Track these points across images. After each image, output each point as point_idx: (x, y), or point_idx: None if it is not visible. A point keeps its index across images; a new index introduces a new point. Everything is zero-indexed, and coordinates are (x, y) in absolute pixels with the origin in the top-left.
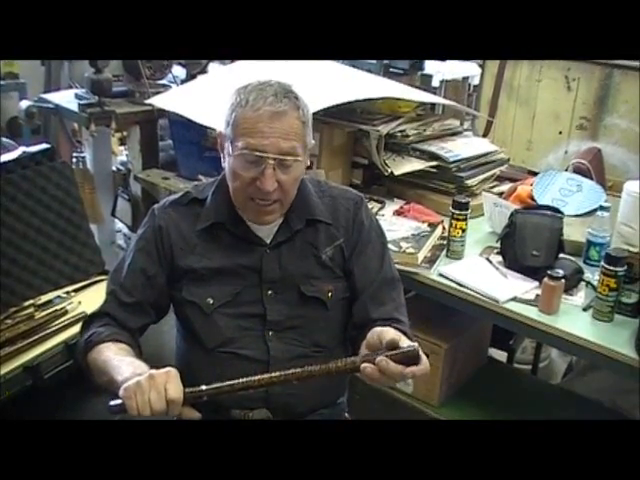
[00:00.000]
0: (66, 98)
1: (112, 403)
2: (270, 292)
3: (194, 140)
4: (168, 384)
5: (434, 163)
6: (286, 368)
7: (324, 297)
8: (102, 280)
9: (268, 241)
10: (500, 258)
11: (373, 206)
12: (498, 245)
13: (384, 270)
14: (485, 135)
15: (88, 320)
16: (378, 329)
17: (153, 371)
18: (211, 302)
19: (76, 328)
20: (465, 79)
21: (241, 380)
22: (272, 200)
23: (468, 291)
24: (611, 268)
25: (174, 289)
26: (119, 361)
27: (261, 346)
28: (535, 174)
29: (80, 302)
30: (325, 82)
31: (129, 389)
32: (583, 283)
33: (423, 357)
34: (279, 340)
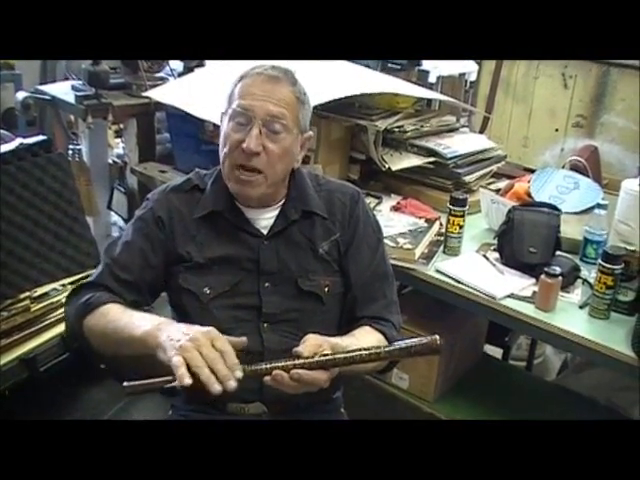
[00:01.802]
0: (63, 90)
1: (127, 384)
2: (267, 284)
3: (191, 133)
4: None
5: (431, 159)
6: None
7: (320, 292)
8: None
9: (265, 232)
10: (497, 255)
11: (370, 201)
12: (495, 242)
13: (376, 264)
14: (482, 132)
15: (80, 287)
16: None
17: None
18: (208, 292)
19: None
20: (462, 75)
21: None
22: (255, 168)
23: (465, 287)
24: (608, 266)
25: (170, 275)
26: (130, 317)
27: (256, 338)
28: (531, 171)
29: None
30: (324, 77)
31: (184, 346)
32: (580, 280)
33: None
34: (273, 332)
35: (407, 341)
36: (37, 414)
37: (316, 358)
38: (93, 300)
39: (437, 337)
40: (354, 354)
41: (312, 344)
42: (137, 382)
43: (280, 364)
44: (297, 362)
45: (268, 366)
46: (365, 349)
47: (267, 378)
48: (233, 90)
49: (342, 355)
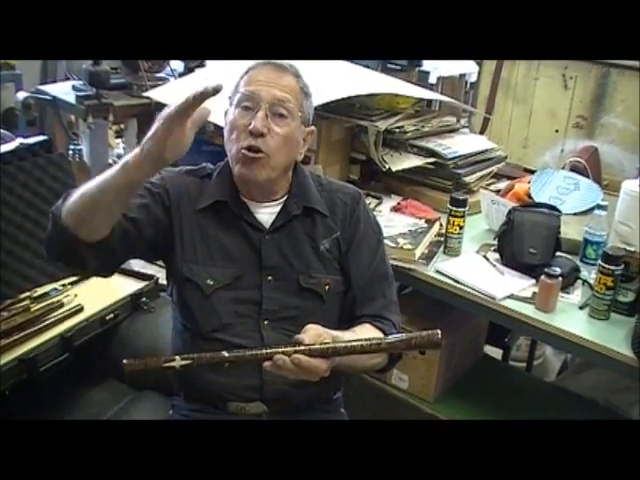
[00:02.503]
0: (63, 90)
1: (126, 361)
2: (270, 278)
3: None
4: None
5: (432, 160)
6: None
7: (321, 290)
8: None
9: (267, 227)
10: (497, 255)
11: (370, 202)
12: (495, 242)
13: (377, 265)
14: (482, 132)
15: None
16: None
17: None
18: (211, 283)
19: (72, 321)
20: (462, 76)
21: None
22: (260, 150)
23: (465, 288)
24: (608, 267)
25: (174, 265)
26: (105, 172)
27: (255, 335)
28: (531, 172)
29: (76, 295)
30: (324, 77)
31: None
32: (580, 281)
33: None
34: (273, 330)
35: (408, 334)
36: (37, 414)
37: (317, 345)
38: (70, 190)
39: (438, 331)
40: (355, 344)
41: (313, 333)
42: (137, 360)
43: (280, 349)
44: (298, 348)
45: (269, 350)
46: (366, 339)
47: (267, 363)
48: (239, 81)
49: (343, 344)
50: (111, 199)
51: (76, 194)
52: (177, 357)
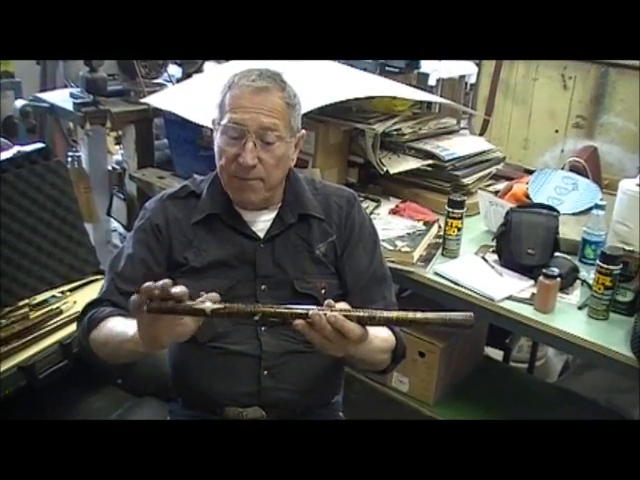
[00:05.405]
0: (61, 97)
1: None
2: (264, 287)
3: (189, 139)
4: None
5: (430, 162)
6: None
7: (317, 294)
8: (97, 280)
9: (262, 235)
10: (496, 257)
11: (369, 205)
12: (494, 244)
13: (374, 267)
14: (482, 134)
15: (87, 306)
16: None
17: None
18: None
19: (71, 328)
20: (462, 78)
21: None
22: (253, 177)
23: (464, 290)
24: (607, 267)
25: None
26: (124, 324)
27: (253, 341)
28: (531, 172)
29: (75, 302)
30: (321, 81)
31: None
32: (579, 281)
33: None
34: (271, 335)
35: (443, 311)
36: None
37: (354, 313)
38: (95, 316)
39: (471, 314)
40: (391, 313)
41: (343, 303)
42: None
43: (317, 307)
44: (335, 309)
45: (305, 307)
46: (401, 310)
47: (299, 321)
48: (223, 100)
49: (379, 313)
50: (132, 355)
51: (101, 335)
52: (208, 302)
